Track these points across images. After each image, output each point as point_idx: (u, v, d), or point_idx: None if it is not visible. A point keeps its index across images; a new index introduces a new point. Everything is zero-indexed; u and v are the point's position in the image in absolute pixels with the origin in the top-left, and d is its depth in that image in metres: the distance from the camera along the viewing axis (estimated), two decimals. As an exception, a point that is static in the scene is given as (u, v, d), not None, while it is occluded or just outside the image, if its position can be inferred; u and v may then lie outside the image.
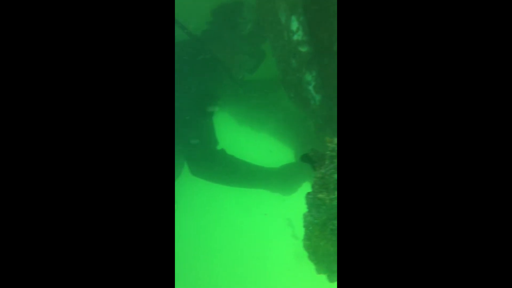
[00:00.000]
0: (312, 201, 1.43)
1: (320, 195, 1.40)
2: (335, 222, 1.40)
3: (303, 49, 2.01)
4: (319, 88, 2.07)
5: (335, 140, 1.44)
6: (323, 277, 1.55)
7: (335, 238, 1.43)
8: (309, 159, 1.65)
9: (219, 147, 2.68)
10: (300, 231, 1.49)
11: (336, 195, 1.37)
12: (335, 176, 1.38)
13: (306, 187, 3.04)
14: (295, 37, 2.02)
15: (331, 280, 1.54)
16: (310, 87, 2.08)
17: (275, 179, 2.73)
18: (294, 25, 1.99)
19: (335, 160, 1.39)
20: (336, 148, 1.40)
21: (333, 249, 1.45)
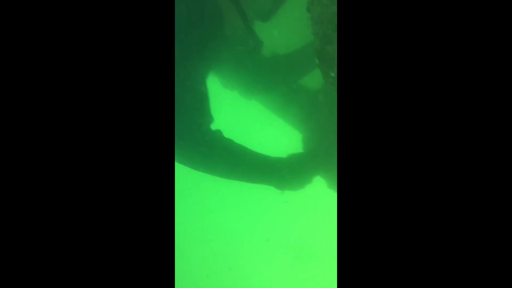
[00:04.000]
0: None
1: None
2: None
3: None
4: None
5: None
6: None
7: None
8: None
9: (213, 126, 2.06)
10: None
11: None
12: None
13: (318, 183, 2.55)
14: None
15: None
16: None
17: (283, 172, 2.21)
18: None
19: None
20: None
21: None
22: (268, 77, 2.58)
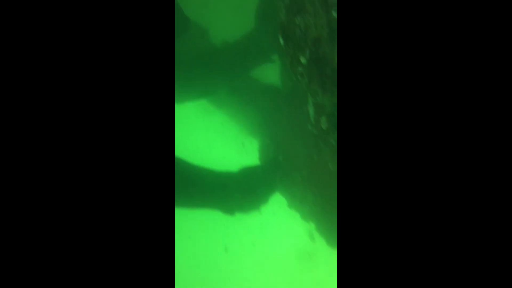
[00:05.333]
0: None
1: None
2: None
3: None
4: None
5: None
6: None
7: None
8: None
9: None
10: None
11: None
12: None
13: (276, 201, 2.09)
14: None
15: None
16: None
17: (232, 191, 1.82)
18: None
19: None
20: None
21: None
22: (215, 68, 2.11)
